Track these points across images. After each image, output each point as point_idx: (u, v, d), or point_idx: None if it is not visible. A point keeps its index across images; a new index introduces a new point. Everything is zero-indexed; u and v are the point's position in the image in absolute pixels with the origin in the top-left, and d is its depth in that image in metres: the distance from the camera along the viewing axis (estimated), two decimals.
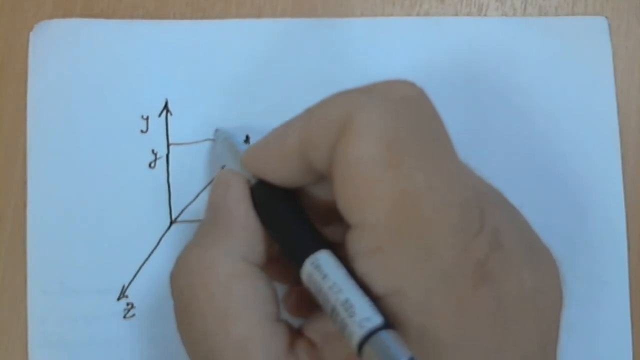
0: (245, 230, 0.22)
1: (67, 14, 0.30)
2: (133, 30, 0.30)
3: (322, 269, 0.19)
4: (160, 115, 0.30)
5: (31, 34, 0.30)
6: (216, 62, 0.30)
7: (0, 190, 0.29)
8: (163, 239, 0.29)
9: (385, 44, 0.30)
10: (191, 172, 0.29)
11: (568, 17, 0.31)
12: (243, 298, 0.20)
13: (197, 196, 0.29)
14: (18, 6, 0.30)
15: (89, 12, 0.30)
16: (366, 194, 0.19)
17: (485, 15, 0.31)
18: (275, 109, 0.30)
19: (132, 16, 0.30)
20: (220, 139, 0.28)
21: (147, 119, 0.30)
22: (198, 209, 0.29)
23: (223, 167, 0.27)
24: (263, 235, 0.22)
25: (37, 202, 0.29)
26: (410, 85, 0.22)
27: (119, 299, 0.29)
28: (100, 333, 0.28)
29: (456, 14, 0.31)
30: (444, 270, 0.19)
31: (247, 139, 0.30)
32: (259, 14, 0.31)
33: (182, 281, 0.22)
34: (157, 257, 0.29)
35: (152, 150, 0.29)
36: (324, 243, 0.21)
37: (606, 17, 0.31)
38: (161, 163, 0.29)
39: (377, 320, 0.18)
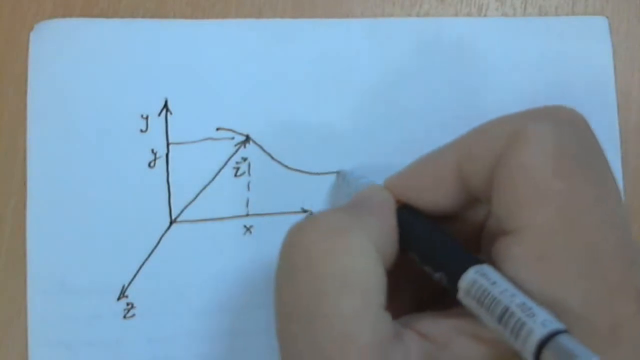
0: (384, 225, 0.22)
1: (67, 14, 0.30)
2: (133, 30, 0.30)
3: (489, 277, 0.19)
4: (160, 114, 0.30)
5: (31, 34, 0.30)
6: (216, 62, 0.30)
7: (0, 190, 0.29)
8: (163, 239, 0.29)
9: (385, 44, 0.30)
10: (191, 171, 0.29)
11: (568, 17, 0.31)
12: (364, 275, 0.20)
13: (197, 196, 0.29)
14: (18, 6, 0.30)
15: (89, 12, 0.30)
16: (532, 199, 0.20)
17: (485, 15, 0.31)
18: (275, 109, 0.30)
19: (132, 16, 0.30)
20: (347, 179, 0.28)
21: (146, 118, 0.30)
22: (198, 209, 0.29)
23: None
24: (396, 243, 0.22)
25: (37, 202, 0.29)
26: (573, 110, 0.22)
27: (118, 299, 0.29)
28: (100, 333, 0.28)
29: (456, 14, 0.31)
30: (610, 287, 0.19)
31: (247, 139, 0.30)
32: (259, 14, 0.31)
33: (306, 235, 0.21)
34: (157, 257, 0.29)
35: (152, 150, 0.29)
36: (477, 257, 0.21)
37: (606, 17, 0.31)
38: (161, 162, 0.29)
39: (559, 324, 0.17)
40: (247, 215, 0.29)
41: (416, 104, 0.30)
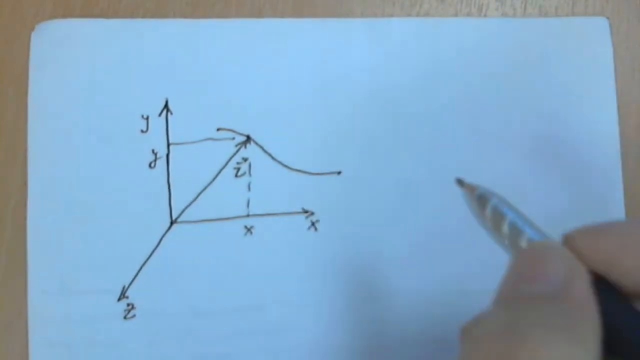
0: (597, 331, 0.16)
1: (67, 14, 0.30)
2: (133, 30, 0.30)
3: None
4: (160, 114, 0.30)
5: (32, 34, 0.30)
6: (216, 62, 0.30)
7: (0, 190, 0.29)
8: (163, 239, 0.29)
9: (385, 44, 0.30)
10: (192, 172, 0.29)
11: (568, 17, 0.31)
12: None
13: (197, 196, 0.29)
14: (18, 6, 0.30)
15: (89, 12, 0.30)
16: None
17: (485, 15, 0.31)
18: (275, 109, 0.30)
19: (132, 16, 0.30)
20: (477, 199, 0.20)
21: (147, 118, 0.30)
22: (198, 209, 0.29)
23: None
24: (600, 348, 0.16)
25: (37, 202, 0.29)
26: None
27: (119, 299, 0.29)
28: (101, 334, 0.28)
29: (456, 14, 0.31)
30: None
31: (248, 139, 0.30)
32: (259, 14, 0.31)
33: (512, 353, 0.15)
34: (158, 257, 0.29)
35: (152, 150, 0.29)
36: None
37: (606, 17, 0.31)
38: (161, 163, 0.29)
39: None
40: (248, 215, 0.29)
41: (416, 104, 0.30)
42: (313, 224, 0.29)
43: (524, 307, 0.16)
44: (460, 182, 0.20)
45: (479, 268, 0.29)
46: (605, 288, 0.17)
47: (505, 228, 0.19)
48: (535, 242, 0.18)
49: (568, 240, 0.18)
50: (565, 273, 0.16)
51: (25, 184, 0.29)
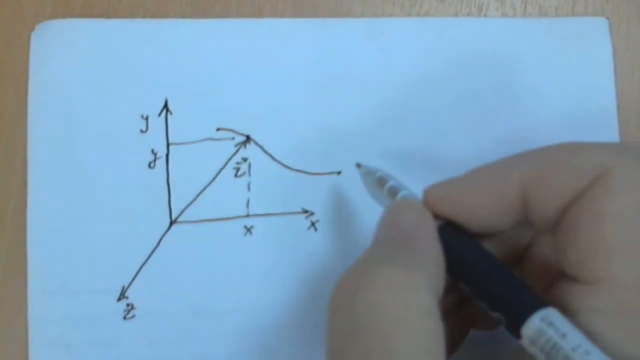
0: (438, 262, 0.20)
1: (67, 14, 0.30)
2: (133, 30, 0.30)
3: (557, 327, 0.18)
4: (160, 114, 0.30)
5: (32, 34, 0.30)
6: (216, 62, 0.30)
7: (0, 190, 0.29)
8: (163, 239, 0.29)
9: (385, 44, 0.30)
10: (191, 172, 0.29)
11: (568, 17, 0.31)
12: (432, 336, 0.18)
13: (197, 196, 0.29)
14: (18, 6, 0.30)
15: (89, 12, 0.30)
16: (620, 251, 0.19)
17: (485, 15, 0.31)
18: (275, 109, 0.30)
19: (132, 16, 0.30)
20: (366, 175, 0.26)
21: (147, 118, 0.30)
22: (198, 209, 0.29)
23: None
24: (445, 276, 0.20)
25: (37, 202, 0.29)
26: None
27: (119, 299, 0.29)
28: (101, 334, 0.28)
29: (456, 14, 0.31)
30: None
31: (247, 139, 0.30)
32: (259, 14, 0.31)
33: (362, 296, 0.19)
34: (157, 257, 0.29)
35: (152, 150, 0.29)
36: (540, 297, 0.19)
37: (606, 17, 0.31)
38: (161, 163, 0.29)
39: None
40: (248, 215, 0.29)
41: (416, 104, 0.30)
42: (313, 224, 0.29)
43: (376, 248, 0.20)
44: (357, 165, 0.27)
45: None
46: (450, 229, 0.21)
47: (385, 192, 0.23)
48: (397, 199, 0.22)
49: (424, 194, 0.22)
50: (414, 221, 0.20)
51: (25, 184, 0.29)
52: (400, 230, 0.20)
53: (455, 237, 0.21)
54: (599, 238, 0.19)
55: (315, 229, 0.29)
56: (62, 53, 0.30)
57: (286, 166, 0.30)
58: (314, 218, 0.29)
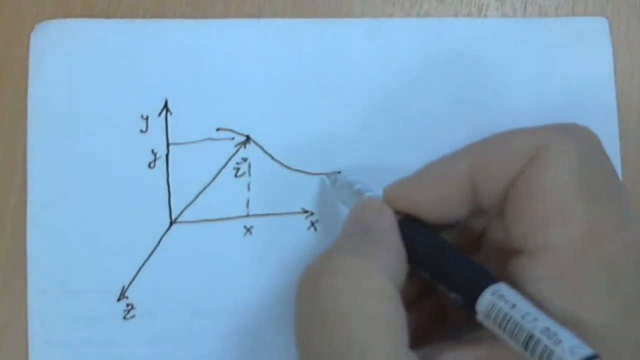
0: (396, 252, 0.22)
1: (67, 14, 0.30)
2: (133, 30, 0.30)
3: (507, 299, 0.19)
4: (160, 114, 0.30)
5: (32, 34, 0.30)
6: (216, 62, 0.30)
7: (0, 190, 0.29)
8: (163, 239, 0.29)
9: (385, 44, 0.30)
10: (191, 172, 0.29)
11: (568, 17, 0.31)
12: (391, 318, 0.20)
13: (197, 196, 0.29)
14: (18, 6, 0.30)
15: (89, 12, 0.30)
16: (556, 219, 0.20)
17: (485, 15, 0.31)
18: (275, 109, 0.30)
19: (132, 16, 0.30)
20: (338, 184, 0.28)
21: (146, 118, 0.30)
22: (198, 209, 0.29)
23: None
24: (405, 265, 0.22)
25: (37, 202, 0.29)
26: (589, 130, 0.22)
27: (119, 299, 0.29)
28: (100, 334, 0.28)
29: (456, 14, 0.31)
30: (632, 308, 0.20)
31: (247, 139, 0.30)
32: (259, 14, 0.31)
33: (324, 283, 0.20)
34: (157, 257, 0.29)
35: (152, 150, 0.29)
36: (491, 275, 0.20)
37: (606, 17, 0.31)
38: (161, 163, 0.29)
39: (587, 350, 0.17)
40: (248, 215, 0.29)
41: (416, 104, 0.30)
42: (313, 224, 0.29)
43: (341, 242, 0.22)
44: (326, 175, 0.29)
45: None
46: (410, 222, 0.22)
47: (352, 194, 0.26)
48: (362, 198, 0.25)
49: (383, 193, 0.24)
50: (374, 216, 0.22)
51: (25, 184, 0.29)
52: (362, 225, 0.22)
53: (414, 229, 0.22)
54: (535, 209, 0.20)
55: (315, 229, 0.29)
56: (62, 53, 0.30)
57: (286, 166, 0.30)
58: (313, 218, 0.29)
